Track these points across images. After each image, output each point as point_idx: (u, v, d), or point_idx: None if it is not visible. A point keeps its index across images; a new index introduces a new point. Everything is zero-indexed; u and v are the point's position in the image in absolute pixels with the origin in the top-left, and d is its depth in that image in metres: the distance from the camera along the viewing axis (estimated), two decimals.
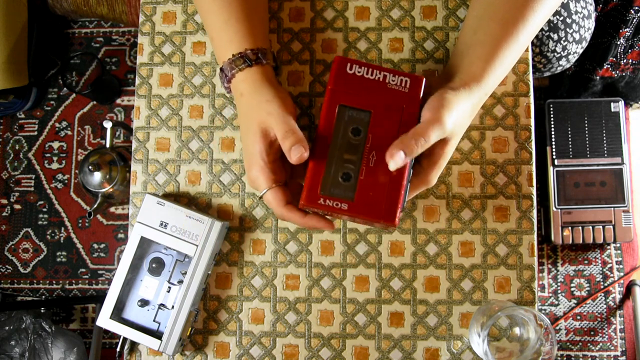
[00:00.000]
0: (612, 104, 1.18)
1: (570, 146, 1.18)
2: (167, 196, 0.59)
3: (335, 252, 0.57)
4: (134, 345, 0.57)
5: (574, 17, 0.77)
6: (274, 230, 0.58)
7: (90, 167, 1.20)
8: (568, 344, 1.27)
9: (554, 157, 1.19)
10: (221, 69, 0.51)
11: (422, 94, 0.46)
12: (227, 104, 0.60)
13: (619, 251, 1.28)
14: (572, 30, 0.77)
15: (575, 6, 0.77)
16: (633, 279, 1.27)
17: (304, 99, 0.60)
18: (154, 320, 0.56)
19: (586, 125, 1.18)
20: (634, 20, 1.04)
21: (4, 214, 1.41)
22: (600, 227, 1.17)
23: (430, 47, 0.59)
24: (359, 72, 0.46)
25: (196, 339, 0.57)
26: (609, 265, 1.28)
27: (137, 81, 0.61)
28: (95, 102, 1.42)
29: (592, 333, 1.27)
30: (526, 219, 0.56)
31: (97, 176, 1.21)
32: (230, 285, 0.58)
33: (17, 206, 1.41)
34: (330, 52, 0.60)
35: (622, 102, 1.18)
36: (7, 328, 1.18)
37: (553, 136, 1.19)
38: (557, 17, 0.76)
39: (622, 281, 1.28)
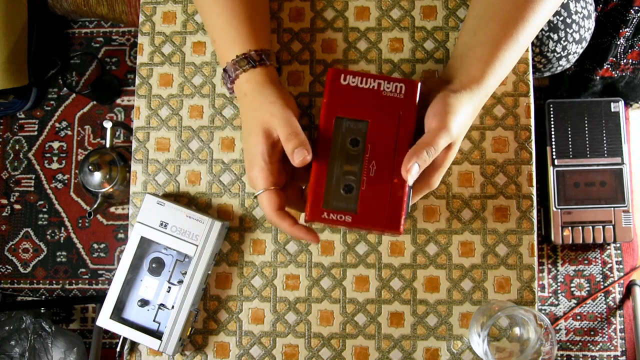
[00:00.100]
0: (612, 104, 1.18)
1: (570, 146, 1.18)
2: (167, 196, 0.59)
3: (335, 252, 0.57)
4: (134, 345, 0.57)
5: (574, 17, 0.77)
6: (274, 230, 0.58)
7: (90, 167, 1.20)
8: (568, 344, 1.27)
9: (554, 157, 1.19)
10: (224, 70, 0.51)
11: (418, 98, 0.46)
12: (227, 104, 0.60)
13: (619, 251, 1.28)
14: (572, 31, 0.77)
15: (575, 6, 0.77)
16: (633, 279, 1.27)
17: (304, 99, 0.60)
18: (154, 320, 0.56)
19: (586, 125, 1.18)
20: (634, 20, 1.04)
21: (4, 214, 1.41)
22: (600, 227, 1.17)
23: (430, 47, 0.59)
24: (353, 83, 0.46)
25: (196, 339, 0.57)
26: (609, 265, 1.28)
27: (137, 81, 0.61)
28: (95, 102, 1.42)
29: (592, 333, 1.27)
30: (526, 219, 0.56)
31: (97, 176, 1.21)
32: (230, 285, 0.58)
33: (17, 206, 1.41)
34: (330, 52, 0.60)
35: (622, 102, 1.18)
36: (7, 328, 1.18)
37: (553, 136, 1.19)
38: (557, 17, 0.76)
39: (622, 281, 1.28)
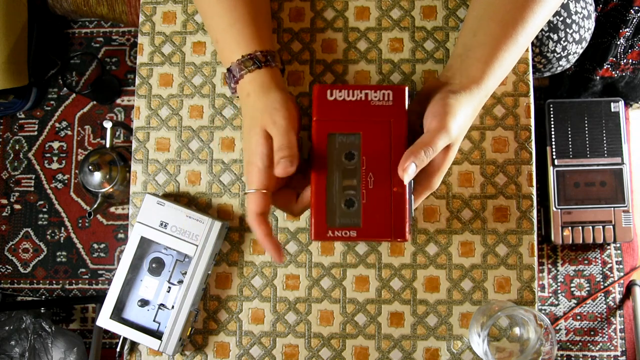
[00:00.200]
0: (612, 104, 1.18)
1: (570, 146, 1.18)
2: (167, 196, 0.59)
3: (335, 252, 0.57)
4: (134, 345, 0.57)
5: (573, 17, 0.77)
6: (274, 230, 0.58)
7: (90, 167, 1.20)
8: (568, 344, 1.27)
9: (554, 157, 1.19)
10: (228, 70, 0.51)
11: (407, 103, 0.46)
12: (227, 104, 0.60)
13: (619, 251, 1.28)
14: (572, 31, 0.77)
15: (575, 6, 0.77)
16: (633, 279, 1.27)
17: (304, 99, 0.60)
18: (154, 320, 0.56)
19: (586, 125, 1.18)
20: (634, 20, 1.04)
21: (4, 214, 1.41)
22: (600, 227, 1.17)
23: (430, 47, 0.59)
24: (340, 97, 0.46)
25: (196, 339, 0.57)
26: (609, 265, 1.28)
27: (137, 81, 0.61)
28: (95, 102, 1.42)
29: (592, 333, 1.27)
30: (526, 219, 0.56)
31: (97, 176, 1.21)
32: (230, 285, 0.58)
33: (17, 206, 1.41)
34: (330, 52, 0.60)
35: (622, 102, 1.18)
36: (7, 328, 1.18)
37: (553, 136, 1.19)
38: (557, 17, 0.76)
39: (622, 281, 1.28)
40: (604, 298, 1.28)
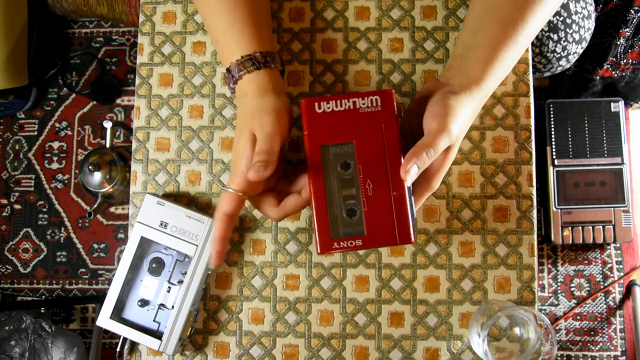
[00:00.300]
0: (612, 104, 1.18)
1: (570, 146, 1.18)
2: (167, 196, 0.59)
3: None
4: (134, 345, 0.57)
5: (573, 17, 0.77)
6: (274, 230, 0.58)
7: (90, 167, 1.20)
8: (568, 344, 1.27)
9: (554, 157, 1.19)
10: (228, 70, 0.51)
11: (396, 106, 0.46)
12: (227, 104, 0.60)
13: (619, 251, 1.28)
14: (572, 31, 0.77)
15: (575, 6, 0.77)
16: (633, 279, 1.27)
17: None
18: (154, 320, 0.56)
19: (586, 125, 1.18)
20: (634, 20, 1.04)
21: (4, 214, 1.41)
22: (600, 227, 1.17)
23: (430, 47, 0.59)
24: (329, 108, 0.46)
25: (196, 339, 0.57)
26: (609, 265, 1.29)
27: (137, 81, 0.61)
28: (95, 102, 1.42)
29: (592, 333, 1.27)
30: (526, 219, 0.56)
31: (97, 176, 1.21)
32: (230, 285, 0.58)
33: (17, 206, 1.41)
34: (330, 52, 0.60)
35: (622, 102, 1.18)
36: (7, 328, 1.18)
37: (553, 136, 1.19)
38: (557, 17, 0.76)
39: (622, 281, 1.28)
40: (604, 298, 1.28)
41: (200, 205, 0.59)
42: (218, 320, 0.57)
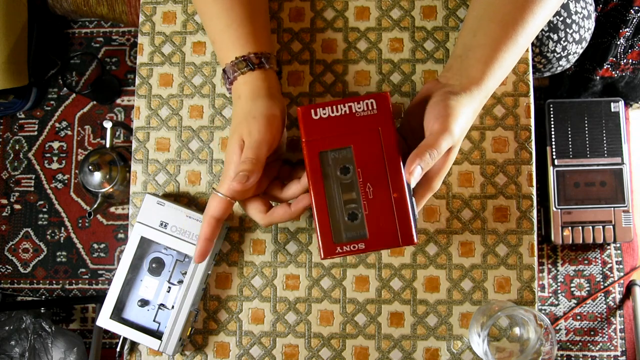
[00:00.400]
0: (612, 104, 1.18)
1: (570, 146, 1.18)
2: (167, 196, 0.59)
3: None
4: (134, 345, 0.57)
5: (573, 17, 0.77)
6: (274, 230, 0.58)
7: (90, 167, 1.20)
8: (568, 344, 1.27)
9: (554, 157, 1.19)
10: (223, 71, 0.51)
11: (392, 108, 0.47)
12: (227, 104, 0.60)
13: (619, 251, 1.28)
14: (572, 31, 0.77)
15: (575, 6, 0.77)
16: (633, 279, 1.27)
17: (304, 99, 0.60)
18: (154, 320, 0.56)
19: (586, 125, 1.18)
20: (634, 20, 1.04)
21: (4, 214, 1.41)
22: (600, 227, 1.17)
23: (430, 47, 0.59)
24: (325, 114, 0.46)
25: (196, 339, 0.57)
26: (609, 265, 1.29)
27: (137, 81, 0.61)
28: (95, 102, 1.42)
29: (592, 333, 1.27)
30: (526, 219, 0.56)
31: (97, 176, 1.21)
32: (230, 285, 0.58)
33: (17, 206, 1.41)
34: (330, 52, 0.60)
35: (622, 102, 1.18)
36: (7, 328, 1.18)
37: (553, 136, 1.19)
38: (557, 17, 0.76)
39: (622, 281, 1.28)
40: (604, 298, 1.28)
41: (200, 205, 0.59)
42: (218, 320, 0.57)
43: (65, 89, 1.43)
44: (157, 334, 0.55)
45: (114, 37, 1.45)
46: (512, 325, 0.55)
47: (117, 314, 0.56)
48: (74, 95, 1.43)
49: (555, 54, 0.79)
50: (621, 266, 1.28)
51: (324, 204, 0.45)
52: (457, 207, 0.57)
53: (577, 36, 0.78)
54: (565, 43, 0.78)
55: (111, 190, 1.22)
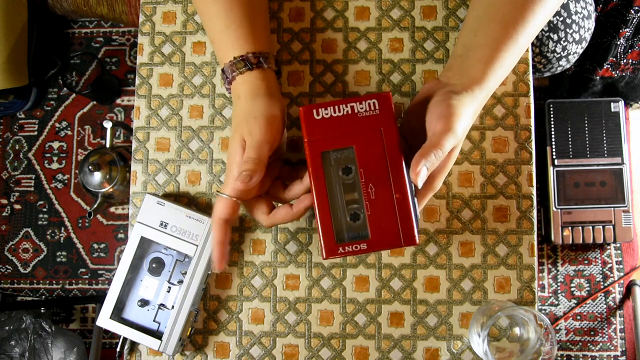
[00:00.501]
0: (612, 104, 1.18)
1: (570, 146, 1.18)
2: (167, 196, 0.59)
3: None
4: (134, 345, 0.57)
5: (573, 17, 0.77)
6: (274, 230, 0.58)
7: (90, 167, 1.20)
8: (568, 344, 1.27)
9: (554, 157, 1.19)
10: (222, 71, 0.51)
11: (394, 108, 0.47)
12: (227, 104, 0.60)
13: (619, 251, 1.28)
14: (572, 31, 0.77)
15: (575, 6, 0.77)
16: (633, 279, 1.27)
17: (304, 99, 0.60)
18: (154, 320, 0.56)
19: (586, 125, 1.18)
20: (634, 20, 1.04)
21: (4, 214, 1.41)
22: (600, 227, 1.17)
23: (430, 47, 0.59)
24: (327, 114, 0.46)
25: (196, 339, 0.57)
26: (609, 265, 1.29)
27: (137, 81, 0.61)
28: (95, 102, 1.42)
29: (592, 333, 1.27)
30: (526, 219, 0.56)
31: (97, 176, 1.21)
32: (230, 285, 0.58)
33: (17, 206, 1.41)
34: (330, 52, 0.60)
35: (622, 102, 1.18)
36: (7, 328, 1.18)
37: (553, 136, 1.19)
38: (557, 17, 0.76)
39: (622, 281, 1.28)
40: (604, 298, 1.28)
41: (200, 205, 0.59)
42: (218, 320, 0.57)
43: (65, 89, 1.43)
44: (157, 334, 0.55)
45: (114, 37, 1.45)
46: (512, 325, 0.55)
47: (117, 314, 0.56)
48: (74, 95, 1.43)
49: (555, 54, 0.79)
50: (621, 266, 1.28)
51: (326, 204, 0.45)
52: (457, 207, 0.57)
53: (577, 36, 0.78)
54: (565, 43, 0.78)
55: (111, 190, 1.22)
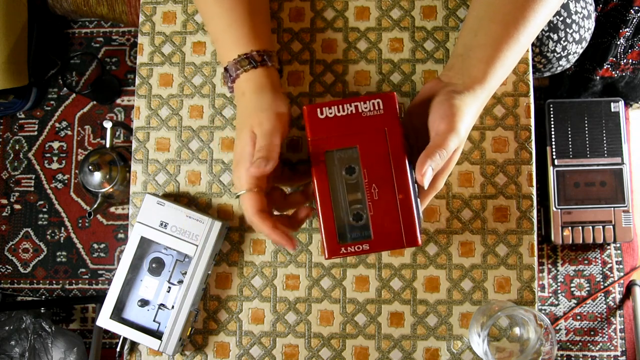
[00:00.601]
0: (612, 104, 1.18)
1: (570, 146, 1.18)
2: (167, 196, 0.59)
3: None
4: (134, 345, 0.57)
5: (573, 17, 0.77)
6: None
7: (90, 167, 1.20)
8: (568, 344, 1.27)
9: (554, 157, 1.19)
10: (225, 69, 0.51)
11: (399, 109, 0.47)
12: (227, 104, 0.60)
13: (619, 251, 1.28)
14: (572, 31, 0.77)
15: (575, 6, 0.77)
16: (633, 279, 1.27)
17: (304, 99, 0.60)
18: (154, 320, 0.56)
19: (586, 125, 1.18)
20: (634, 20, 1.04)
21: (4, 214, 1.41)
22: (600, 227, 1.17)
23: (430, 47, 0.59)
24: (331, 114, 0.46)
25: (196, 339, 0.57)
26: (609, 265, 1.28)
27: (137, 81, 0.61)
28: (95, 102, 1.42)
29: (592, 333, 1.27)
30: (526, 219, 0.56)
31: (97, 176, 1.21)
32: (230, 285, 0.58)
33: (17, 206, 1.41)
34: (330, 52, 0.60)
35: (622, 102, 1.18)
36: (7, 328, 1.18)
37: (553, 136, 1.19)
38: (557, 17, 0.76)
39: (622, 281, 1.28)
40: (604, 298, 1.28)
41: (200, 205, 0.59)
42: (218, 320, 0.57)
43: (65, 89, 1.43)
44: (157, 334, 0.55)
45: (114, 37, 1.45)
46: (512, 325, 0.55)
47: (117, 314, 0.56)
48: (74, 95, 1.43)
49: (555, 54, 0.79)
50: (621, 266, 1.28)
51: (329, 204, 0.45)
52: (457, 207, 0.57)
53: (577, 36, 0.78)
54: (565, 43, 0.78)
55: (111, 190, 1.22)
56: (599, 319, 1.27)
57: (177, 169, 0.60)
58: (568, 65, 0.84)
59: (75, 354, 1.21)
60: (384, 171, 0.45)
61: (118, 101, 1.42)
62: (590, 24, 0.81)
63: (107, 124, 1.15)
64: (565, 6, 0.76)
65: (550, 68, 0.83)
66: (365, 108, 0.46)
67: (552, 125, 1.19)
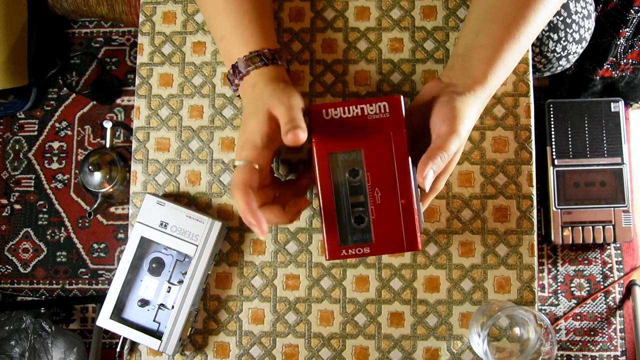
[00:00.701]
0: (612, 104, 1.18)
1: (570, 146, 1.18)
2: (167, 196, 0.59)
3: None
4: (134, 345, 0.57)
5: (574, 17, 0.77)
6: (274, 230, 0.58)
7: (90, 167, 1.20)
8: (568, 344, 1.27)
9: (554, 157, 1.19)
10: (233, 66, 0.50)
11: (405, 112, 0.46)
12: (227, 104, 0.60)
13: (619, 251, 1.28)
14: (572, 31, 0.77)
15: (575, 6, 0.77)
16: (633, 279, 1.27)
17: (304, 99, 0.60)
18: (154, 320, 0.56)
19: (586, 125, 1.18)
20: (634, 20, 1.04)
21: (4, 214, 1.41)
22: (600, 227, 1.17)
23: (430, 47, 0.59)
24: (336, 115, 0.46)
25: (196, 339, 0.57)
26: (609, 265, 1.28)
27: (137, 81, 0.61)
28: (95, 102, 1.42)
29: (592, 333, 1.27)
30: (526, 219, 0.56)
31: (97, 176, 1.21)
32: (230, 285, 0.58)
33: (17, 206, 1.41)
34: (330, 52, 0.60)
35: (622, 102, 1.18)
36: (7, 328, 1.18)
37: (553, 136, 1.19)
38: (557, 17, 0.76)
39: (622, 281, 1.28)
40: (604, 298, 1.28)
41: (200, 205, 0.59)
42: (218, 320, 0.57)
43: (65, 89, 1.43)
44: (157, 334, 0.55)
45: (114, 37, 1.45)
46: (512, 325, 0.55)
47: (117, 314, 0.56)
48: (74, 95, 1.43)
49: (555, 54, 0.79)
50: (621, 266, 1.28)
51: (331, 206, 0.45)
52: (457, 207, 0.57)
53: (577, 36, 0.78)
54: (565, 43, 0.78)
55: (111, 190, 1.22)
56: (599, 319, 1.27)
57: (177, 169, 0.60)
58: (568, 65, 0.84)
59: (75, 354, 1.21)
60: (387, 175, 0.45)
61: (118, 101, 1.42)
62: (590, 24, 0.81)
63: (107, 124, 1.15)
64: (565, 6, 0.76)
65: (550, 68, 0.83)
66: (371, 110, 0.46)
67: (552, 125, 1.19)
